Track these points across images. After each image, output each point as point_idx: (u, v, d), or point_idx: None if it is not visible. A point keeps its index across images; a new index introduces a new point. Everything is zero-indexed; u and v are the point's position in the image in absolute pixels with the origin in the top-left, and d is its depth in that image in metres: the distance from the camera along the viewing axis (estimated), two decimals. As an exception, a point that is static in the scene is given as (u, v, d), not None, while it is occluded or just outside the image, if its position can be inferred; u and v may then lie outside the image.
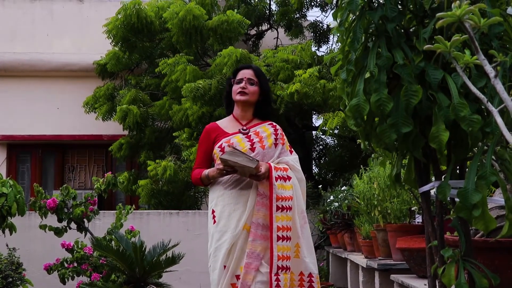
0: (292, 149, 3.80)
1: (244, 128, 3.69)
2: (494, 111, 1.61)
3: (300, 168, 3.69)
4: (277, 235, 3.39)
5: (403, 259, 4.24)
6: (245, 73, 3.72)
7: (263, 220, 3.43)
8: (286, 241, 3.42)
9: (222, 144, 3.58)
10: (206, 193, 9.38)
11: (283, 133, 3.78)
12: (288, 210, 3.47)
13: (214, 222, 3.53)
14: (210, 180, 3.58)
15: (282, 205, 3.45)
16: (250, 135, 3.65)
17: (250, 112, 3.75)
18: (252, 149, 3.58)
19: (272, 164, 3.53)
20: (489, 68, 1.63)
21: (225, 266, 3.43)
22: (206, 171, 3.58)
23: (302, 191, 3.65)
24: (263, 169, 3.43)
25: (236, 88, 3.70)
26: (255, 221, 3.42)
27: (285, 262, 3.40)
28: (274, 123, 3.79)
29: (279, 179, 3.49)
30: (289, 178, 3.55)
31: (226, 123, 3.76)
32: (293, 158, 3.71)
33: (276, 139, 3.68)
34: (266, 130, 3.70)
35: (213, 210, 3.57)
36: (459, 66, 1.73)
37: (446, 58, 2.01)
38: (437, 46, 1.71)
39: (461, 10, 1.62)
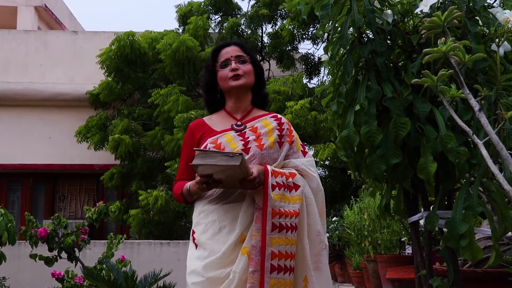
0: (307, 150, 2.82)
1: (239, 123, 2.76)
2: (480, 144, 1.66)
3: (316, 175, 2.71)
4: (271, 265, 2.44)
5: (393, 290, 4.26)
6: (230, 51, 2.79)
7: None
8: (286, 274, 2.47)
9: (207, 145, 2.66)
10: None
11: (292, 129, 2.80)
12: (292, 231, 2.51)
13: (196, 246, 2.64)
14: (193, 196, 2.67)
15: (280, 223, 2.48)
16: (245, 132, 2.71)
17: (248, 101, 2.82)
18: (246, 150, 2.63)
19: (269, 167, 2.57)
20: (473, 102, 1.68)
21: None
22: (187, 184, 2.66)
23: (318, 206, 2.66)
24: (255, 171, 2.50)
25: (224, 73, 2.75)
26: (255, 245, 2.46)
27: None
28: (279, 116, 2.82)
29: (278, 188, 2.54)
30: (296, 187, 2.60)
31: (215, 119, 2.82)
32: (306, 161, 2.71)
33: (280, 136, 2.71)
34: (267, 124, 2.74)
35: (193, 231, 2.69)
36: (445, 99, 1.78)
37: (433, 92, 2.07)
38: (424, 80, 1.77)
39: (446, 46, 1.69)
